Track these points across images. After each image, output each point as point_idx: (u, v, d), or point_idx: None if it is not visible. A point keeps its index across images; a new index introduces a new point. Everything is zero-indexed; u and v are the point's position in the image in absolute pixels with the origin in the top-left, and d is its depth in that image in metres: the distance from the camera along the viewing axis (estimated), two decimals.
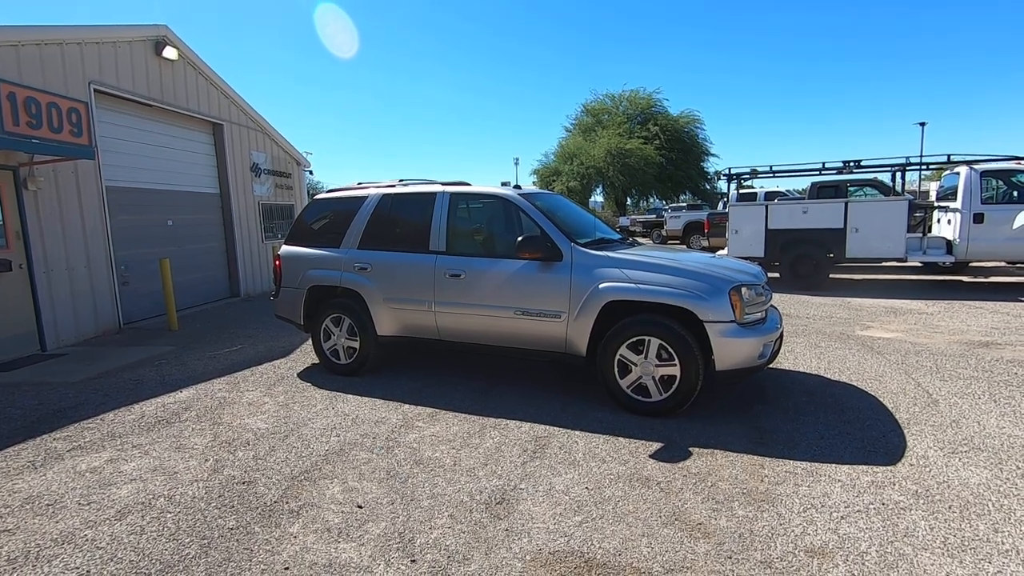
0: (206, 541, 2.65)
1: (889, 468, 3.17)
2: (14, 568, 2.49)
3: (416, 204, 5.08)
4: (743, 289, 3.89)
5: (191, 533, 2.72)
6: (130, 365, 5.95)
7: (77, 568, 2.47)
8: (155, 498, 3.07)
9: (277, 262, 5.64)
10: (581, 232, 4.70)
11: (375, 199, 5.24)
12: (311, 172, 15.01)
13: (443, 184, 5.08)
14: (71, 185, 7.08)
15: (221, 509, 2.94)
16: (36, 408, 4.63)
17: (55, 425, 4.22)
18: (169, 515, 2.89)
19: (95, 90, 7.43)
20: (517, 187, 5.10)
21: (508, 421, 4.05)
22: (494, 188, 4.93)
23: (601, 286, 4.07)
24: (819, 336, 6.40)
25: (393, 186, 5.33)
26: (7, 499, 3.10)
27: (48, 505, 3.03)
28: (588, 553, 2.49)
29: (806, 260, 9.84)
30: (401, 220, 5.14)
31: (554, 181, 30.07)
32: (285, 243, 5.70)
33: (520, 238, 4.32)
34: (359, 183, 5.71)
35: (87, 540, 2.69)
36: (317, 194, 6.30)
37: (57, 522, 2.86)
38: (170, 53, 8.65)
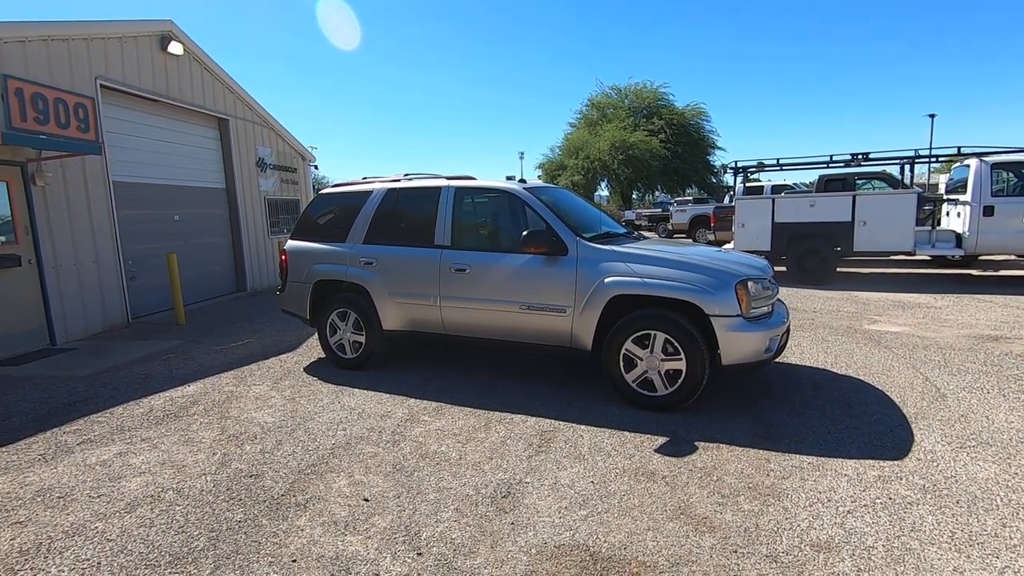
0: (214, 534, 2.68)
1: (896, 463, 3.16)
2: (26, 560, 2.52)
3: (421, 199, 5.08)
4: (749, 283, 3.87)
5: (200, 526, 2.75)
6: (138, 359, 6.00)
7: (88, 560, 2.51)
8: (164, 491, 3.10)
9: (283, 257, 5.65)
10: (586, 226, 4.68)
11: (380, 194, 5.24)
12: (316, 167, 15.04)
13: (448, 178, 5.07)
14: (78, 180, 7.12)
15: (229, 502, 2.96)
16: (46, 402, 4.68)
17: (65, 419, 4.26)
18: (178, 508, 2.92)
19: (101, 86, 7.45)
20: (522, 181, 5.08)
21: (513, 415, 4.06)
22: (499, 182, 4.92)
23: (606, 280, 4.06)
24: (826, 330, 6.37)
25: (398, 180, 5.33)
26: (19, 492, 3.14)
27: (59, 498, 3.07)
28: (593, 547, 2.50)
29: (813, 254, 9.77)
30: (406, 215, 5.14)
31: (559, 175, 29.97)
32: (291, 238, 5.72)
33: (525, 232, 4.31)
34: (364, 178, 5.71)
35: (97, 532, 2.72)
36: (322, 189, 6.31)
37: (68, 514, 2.89)
38: (175, 48, 8.66)
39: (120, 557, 2.52)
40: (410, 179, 5.33)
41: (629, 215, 26.17)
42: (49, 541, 2.66)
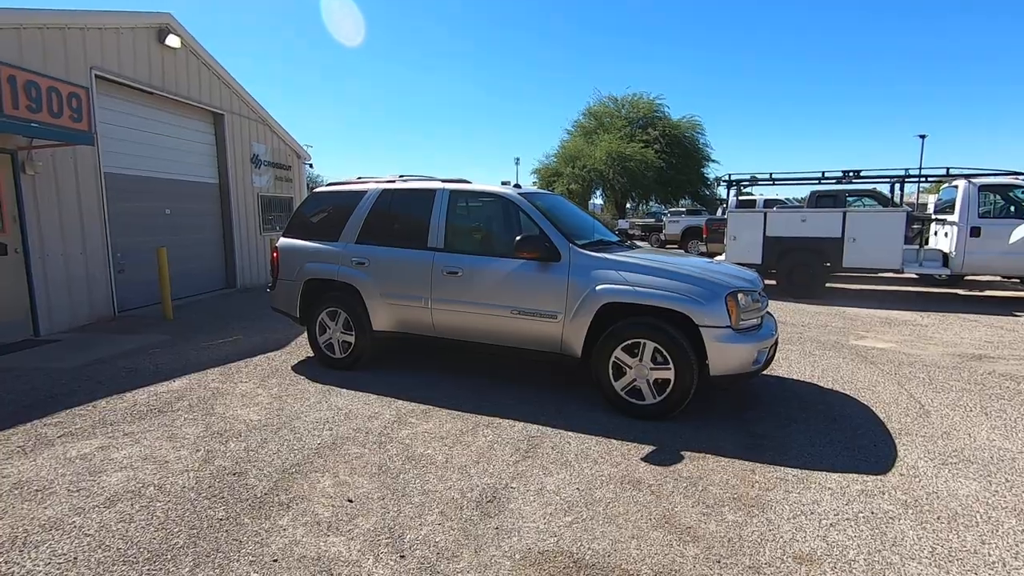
0: (195, 531, 2.65)
1: (879, 477, 3.18)
2: (0, 553, 2.47)
3: (415, 200, 5.08)
4: (739, 295, 3.89)
5: (180, 523, 2.71)
6: (124, 353, 5.93)
7: (64, 554, 2.46)
8: (145, 487, 3.06)
9: (275, 254, 5.62)
10: (580, 233, 4.70)
11: (374, 194, 5.23)
12: (311, 165, 14.98)
13: (443, 181, 5.07)
14: (69, 170, 7.05)
15: (211, 500, 2.93)
16: (28, 393, 4.61)
17: (46, 411, 4.20)
18: (158, 504, 2.88)
19: (96, 76, 7.39)
20: (517, 186, 5.10)
21: (501, 420, 4.05)
22: (494, 187, 4.93)
23: (598, 288, 4.08)
24: (814, 344, 6.42)
25: (393, 181, 5.32)
26: None
27: (37, 491, 3.02)
28: (577, 553, 2.50)
29: (803, 268, 9.86)
30: (400, 216, 5.13)
31: (555, 182, 30.12)
32: (283, 235, 5.69)
33: (519, 237, 4.32)
34: (359, 177, 5.70)
35: (75, 527, 2.68)
36: (317, 187, 6.28)
37: (45, 508, 2.84)
38: (173, 41, 8.62)
39: (97, 552, 2.48)
40: (405, 180, 5.32)
41: (622, 224, 26.30)
42: (25, 535, 2.61)
